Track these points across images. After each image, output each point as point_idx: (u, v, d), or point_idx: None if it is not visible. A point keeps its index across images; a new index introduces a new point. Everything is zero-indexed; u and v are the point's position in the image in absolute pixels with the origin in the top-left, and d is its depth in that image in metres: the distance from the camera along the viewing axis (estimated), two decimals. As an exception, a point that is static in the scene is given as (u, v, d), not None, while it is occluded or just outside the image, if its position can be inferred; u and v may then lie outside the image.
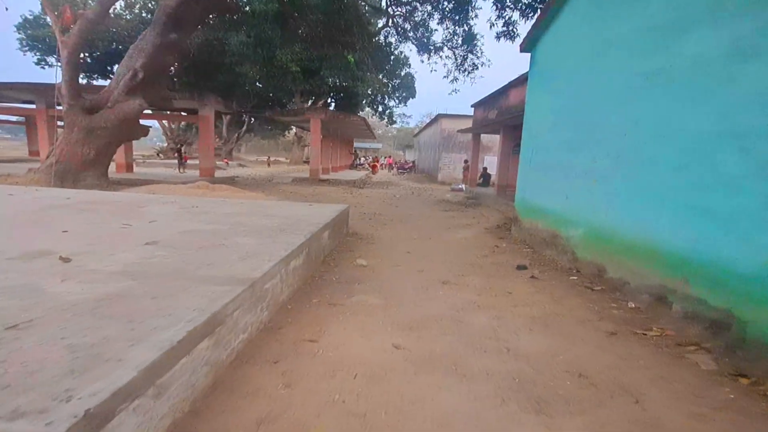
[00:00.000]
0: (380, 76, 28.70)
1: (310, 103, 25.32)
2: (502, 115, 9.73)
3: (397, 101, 31.38)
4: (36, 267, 2.41)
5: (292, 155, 38.32)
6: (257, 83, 25.33)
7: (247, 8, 20.18)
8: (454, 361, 2.29)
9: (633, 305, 3.28)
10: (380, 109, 32.23)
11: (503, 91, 10.06)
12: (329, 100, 29.08)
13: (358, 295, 3.31)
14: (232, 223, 4.17)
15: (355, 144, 39.73)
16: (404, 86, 30.93)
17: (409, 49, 22.92)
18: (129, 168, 12.70)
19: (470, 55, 12.43)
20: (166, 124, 30.65)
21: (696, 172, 2.89)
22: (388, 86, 30.75)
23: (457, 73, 13.16)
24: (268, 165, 32.38)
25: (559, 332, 2.76)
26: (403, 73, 30.57)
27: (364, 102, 30.29)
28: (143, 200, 5.65)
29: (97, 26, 8.99)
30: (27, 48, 22.16)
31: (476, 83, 13.63)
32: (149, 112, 13.25)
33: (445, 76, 13.45)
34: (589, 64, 4.51)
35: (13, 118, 20.45)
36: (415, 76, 30.77)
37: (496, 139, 21.41)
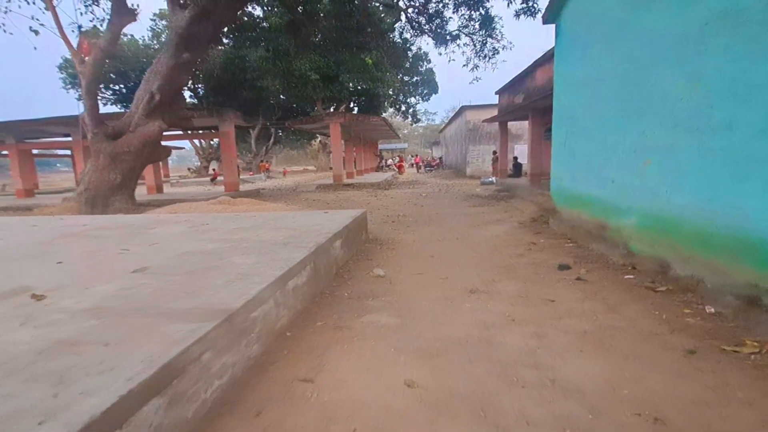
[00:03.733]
0: (400, 76, 28.29)
1: (332, 109, 25.32)
2: (529, 98, 8.96)
3: (419, 98, 30.80)
4: (2, 308, 2.17)
5: (319, 163, 38.70)
6: (280, 96, 25.77)
7: (264, 23, 20.48)
8: (482, 402, 1.79)
9: (713, 310, 2.60)
10: (403, 108, 31.78)
11: (529, 72, 9.27)
12: (351, 105, 29.01)
13: (369, 314, 2.87)
14: (237, 240, 3.87)
15: (380, 146, 39.51)
16: (425, 82, 30.31)
17: (426, 43, 22.26)
18: (159, 189, 13.06)
19: (489, 40, 11.67)
20: (198, 144, 31.85)
21: (791, 133, 2.20)
22: (409, 84, 30.27)
23: (477, 60, 12.45)
24: (284, 175, 32.77)
25: (619, 353, 2.18)
26: (423, 69, 29.98)
27: (386, 103, 29.98)
28: (156, 221, 5.54)
29: (110, 53, 9.19)
30: (69, 86, 23.83)
31: (498, 69, 12.92)
32: (174, 132, 13.57)
33: (464, 65, 12.77)
34: (629, 21, 3.82)
35: (61, 152, 21.88)
36: (435, 71, 30.09)
37: (525, 126, 20.30)
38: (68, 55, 23.30)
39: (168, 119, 9.23)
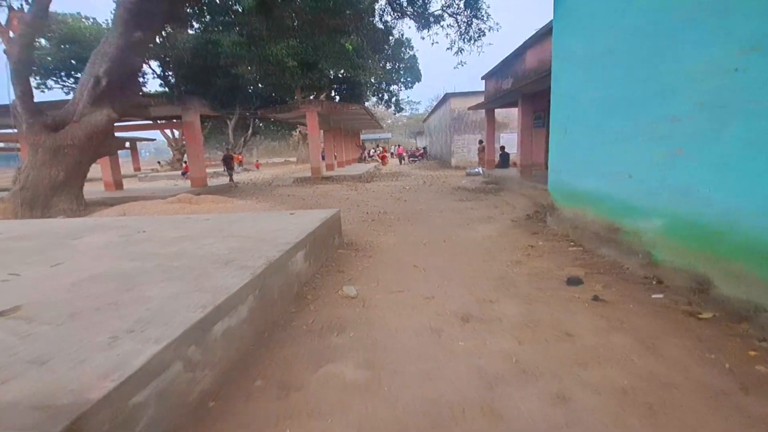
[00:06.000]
0: (382, 63, 27.25)
1: (312, 99, 24.19)
2: (518, 82, 8.28)
3: (402, 86, 29.89)
4: None
5: (299, 154, 37.52)
6: (258, 84, 24.41)
7: (237, 6, 19.13)
8: None
9: (787, 350, 1.97)
10: (386, 97, 30.81)
11: (518, 54, 8.55)
12: (333, 94, 27.83)
13: (331, 362, 2.13)
14: (170, 255, 3.06)
15: (363, 136, 38.55)
16: (408, 69, 29.39)
17: (408, 27, 21.22)
18: (118, 185, 11.91)
19: (475, 21, 10.89)
20: (170, 135, 30.23)
21: None
22: (392, 72, 29.28)
23: (461, 43, 11.63)
24: (256, 168, 31.43)
25: (681, 429, 1.51)
26: (405, 56, 29.01)
27: (368, 92, 28.92)
28: (89, 227, 4.64)
29: (41, 29, 8.04)
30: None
31: (484, 53, 12.09)
32: (131, 123, 12.39)
33: (448, 48, 11.96)
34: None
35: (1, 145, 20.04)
36: (418, 58, 29.17)
37: (512, 113, 19.70)
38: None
39: (119, 108, 8.18)
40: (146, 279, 2.49)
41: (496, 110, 14.82)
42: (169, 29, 19.24)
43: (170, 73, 24.80)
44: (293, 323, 2.69)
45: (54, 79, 22.72)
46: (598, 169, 3.89)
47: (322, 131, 20.96)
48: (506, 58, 9.07)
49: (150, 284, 2.38)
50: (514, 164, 12.88)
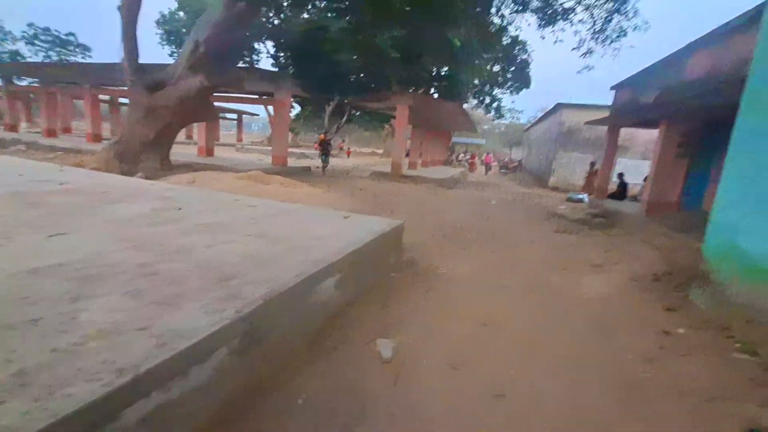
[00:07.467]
0: (489, 65, 25.36)
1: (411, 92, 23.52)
2: (668, 96, 6.31)
3: (507, 91, 27.70)
4: None
5: (386, 147, 37.45)
6: (361, 74, 24.52)
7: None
8: None
9: None
10: (487, 100, 28.82)
11: (675, 59, 6.49)
12: (431, 90, 26.80)
13: None
14: (174, 251, 2.43)
15: (455, 138, 36.94)
16: (517, 74, 27.05)
17: (528, 24, 19.07)
18: (209, 152, 12.52)
19: (617, 16, 8.87)
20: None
21: None
22: (499, 74, 27.23)
23: (593, 43, 9.65)
24: (347, 155, 30.91)
25: None
26: (518, 60, 26.68)
27: (469, 93, 27.27)
28: (138, 192, 4.39)
29: None
30: (165, 42, 24.83)
31: (620, 57, 9.91)
32: (227, 94, 12.85)
33: (574, 48, 10.07)
34: None
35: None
36: (530, 62, 26.62)
37: (637, 135, 16.54)
38: (166, 10, 24.31)
39: (213, 77, 8.22)
40: (116, 284, 1.83)
41: (623, 129, 12.30)
42: (288, 12, 20.10)
43: (282, 54, 26.21)
44: (288, 387, 1.84)
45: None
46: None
47: (410, 126, 20.14)
48: (656, 63, 7.05)
49: (108, 296, 1.70)
50: (634, 198, 10.54)
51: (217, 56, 8.12)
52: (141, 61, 8.03)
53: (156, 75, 7.80)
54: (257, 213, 3.81)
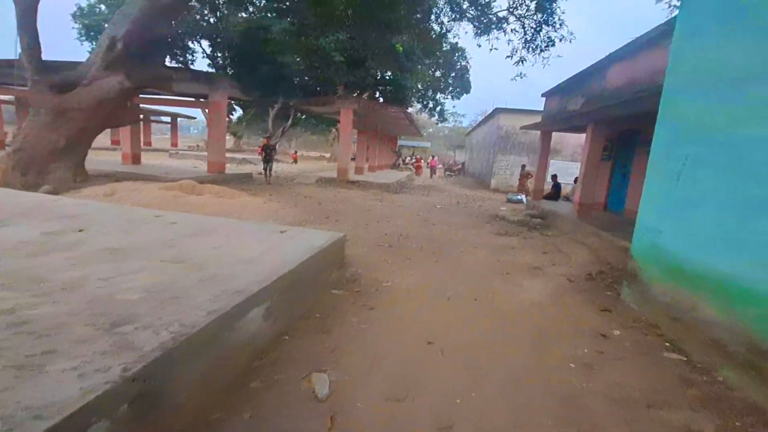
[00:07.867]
0: (431, 71, 26.03)
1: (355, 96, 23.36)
2: (593, 103, 6.81)
3: (449, 96, 28.62)
4: None
5: (333, 151, 37.04)
6: (305, 76, 23.85)
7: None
8: None
9: None
10: (430, 104, 29.55)
11: (597, 69, 7.05)
12: (376, 94, 26.85)
13: None
14: (56, 289, 2.00)
15: (400, 142, 37.44)
16: (458, 79, 28.05)
17: (465, 32, 19.78)
18: (135, 159, 11.32)
19: (545, 27, 9.44)
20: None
21: None
22: (440, 80, 28.04)
23: (524, 52, 10.19)
24: (294, 159, 29.39)
25: None
26: (457, 66, 27.67)
27: (413, 97, 27.73)
28: (32, 211, 3.73)
29: None
30: (84, 38, 22.29)
31: (550, 66, 10.56)
32: (151, 96, 11.80)
33: (508, 56, 10.54)
34: None
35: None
36: (469, 68, 27.72)
37: (565, 139, 17.83)
38: (83, 4, 21.93)
39: (135, 77, 7.42)
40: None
41: (554, 134, 13.14)
42: (224, 10, 19.04)
43: (219, 54, 24.76)
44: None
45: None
46: (750, 246, 2.49)
47: (356, 131, 20.01)
48: (579, 73, 7.60)
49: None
50: (566, 198, 11.25)
51: (138, 54, 7.34)
52: (55, 58, 7.02)
53: (65, 74, 6.85)
54: (178, 232, 3.38)
